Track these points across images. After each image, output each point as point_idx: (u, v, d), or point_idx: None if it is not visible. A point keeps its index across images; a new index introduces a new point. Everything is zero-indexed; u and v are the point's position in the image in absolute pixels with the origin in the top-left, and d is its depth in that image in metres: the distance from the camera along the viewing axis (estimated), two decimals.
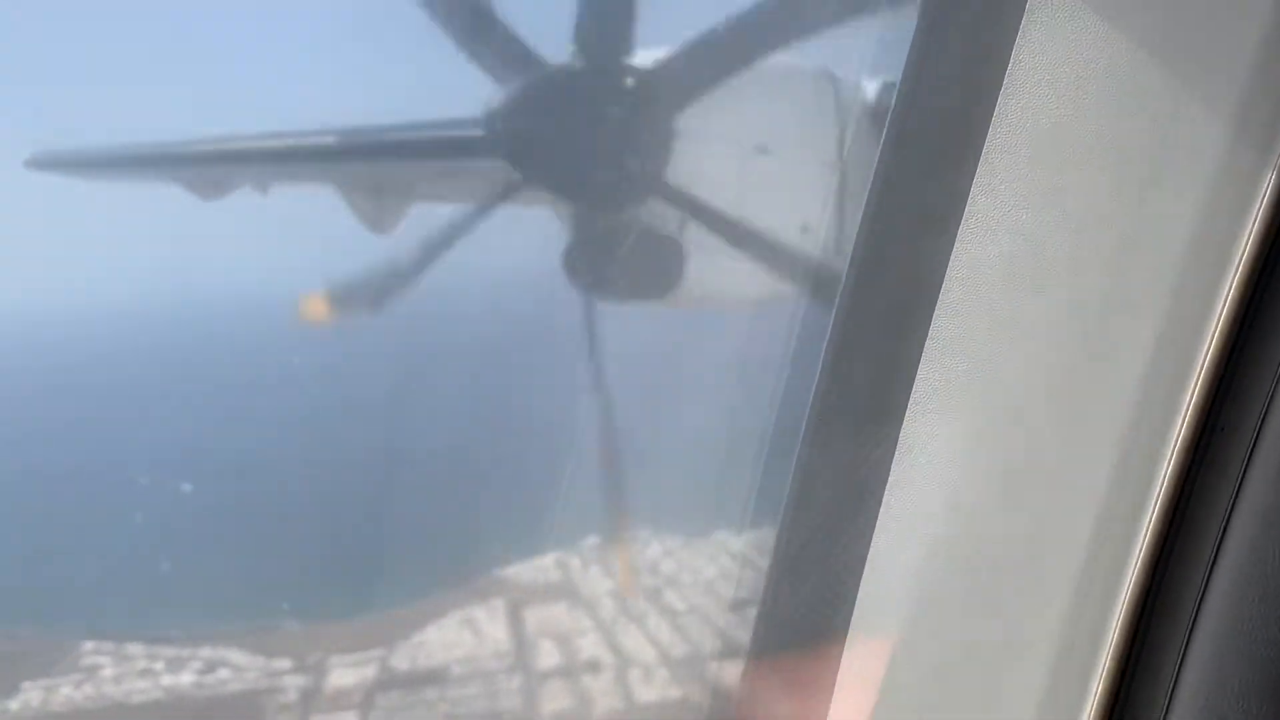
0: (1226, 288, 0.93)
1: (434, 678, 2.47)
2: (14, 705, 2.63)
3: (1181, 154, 0.95)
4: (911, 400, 1.07)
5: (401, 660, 2.55)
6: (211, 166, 2.75)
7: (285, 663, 2.73)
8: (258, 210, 2.63)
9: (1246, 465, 0.90)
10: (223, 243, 2.72)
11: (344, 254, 2.58)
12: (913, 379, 1.08)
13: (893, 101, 1.13)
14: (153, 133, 2.79)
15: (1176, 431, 0.94)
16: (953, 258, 1.03)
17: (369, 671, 2.56)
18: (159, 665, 2.78)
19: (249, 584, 2.79)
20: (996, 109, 1.00)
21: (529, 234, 2.41)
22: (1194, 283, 0.95)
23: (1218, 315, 0.93)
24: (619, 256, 2.44)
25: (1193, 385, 0.94)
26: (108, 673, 2.75)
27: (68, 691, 2.69)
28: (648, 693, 2.49)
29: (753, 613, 1.27)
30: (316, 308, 2.52)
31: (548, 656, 2.45)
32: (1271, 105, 0.89)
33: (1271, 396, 0.90)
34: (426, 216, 2.54)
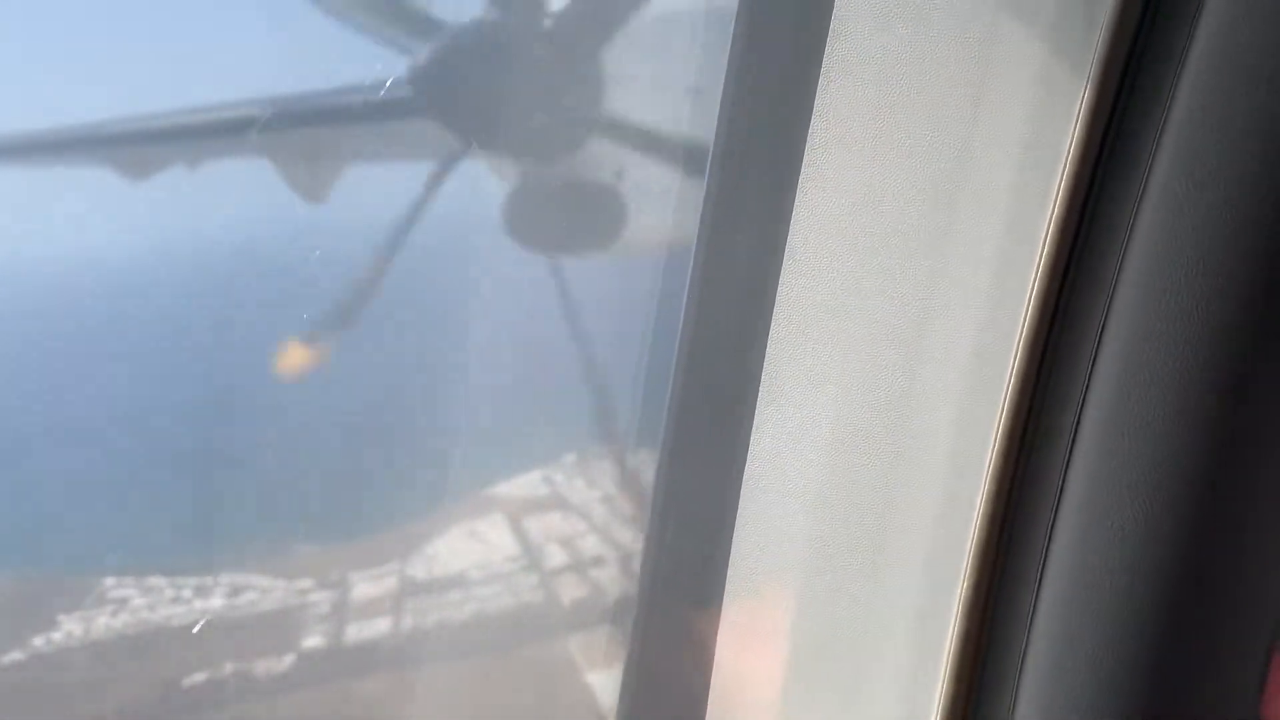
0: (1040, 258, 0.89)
1: (454, 582, 2.74)
2: (58, 636, 2.78)
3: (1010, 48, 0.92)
4: (770, 341, 1.06)
5: (418, 571, 2.79)
6: (137, 146, 2.71)
7: (307, 582, 2.90)
8: (189, 187, 2.59)
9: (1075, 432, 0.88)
10: (157, 220, 2.78)
11: (283, 222, 2.58)
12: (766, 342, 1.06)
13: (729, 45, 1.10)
14: (72, 114, 2.63)
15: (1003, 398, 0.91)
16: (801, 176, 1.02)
17: (390, 583, 2.80)
18: (186, 593, 2.93)
19: (250, 515, 2.88)
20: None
21: (468, 190, 2.38)
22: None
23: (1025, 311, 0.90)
24: (559, 207, 2.42)
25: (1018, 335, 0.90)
26: (139, 602, 2.89)
27: (106, 621, 2.85)
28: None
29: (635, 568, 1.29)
30: (297, 356, 2.52)
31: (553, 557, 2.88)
32: None
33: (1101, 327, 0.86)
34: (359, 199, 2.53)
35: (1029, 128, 0.92)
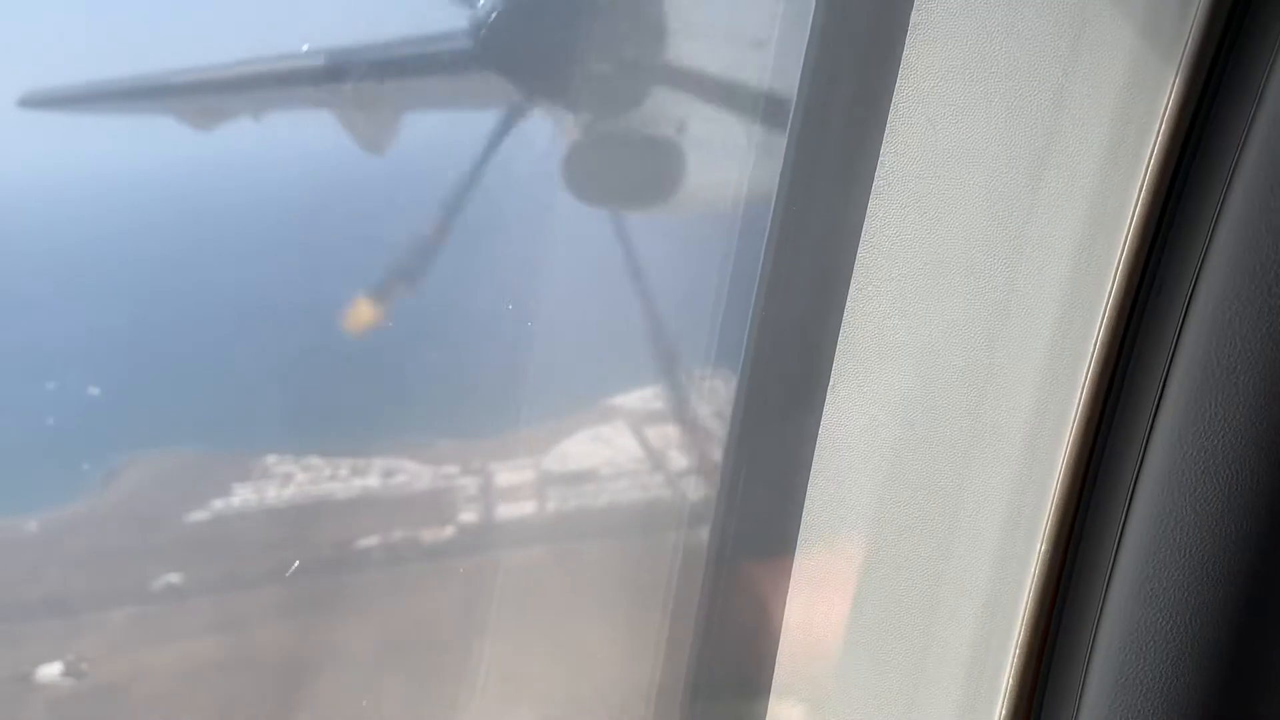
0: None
1: (587, 477, 2.90)
2: (236, 502, 3.08)
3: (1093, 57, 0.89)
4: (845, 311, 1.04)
5: (553, 465, 2.94)
6: (203, 95, 2.77)
7: (453, 468, 3.15)
8: (253, 136, 2.67)
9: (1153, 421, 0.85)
10: (220, 167, 2.87)
11: (345, 173, 2.63)
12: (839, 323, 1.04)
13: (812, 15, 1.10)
14: (143, 64, 2.73)
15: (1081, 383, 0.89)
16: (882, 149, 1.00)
17: (528, 474, 2.98)
18: (343, 472, 3.20)
19: (395, 413, 3.06)
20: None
21: (526, 145, 2.39)
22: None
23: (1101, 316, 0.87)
24: (618, 162, 2.39)
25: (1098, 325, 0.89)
26: (301, 478, 3.19)
27: (275, 492, 3.14)
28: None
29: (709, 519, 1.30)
30: (364, 313, 2.56)
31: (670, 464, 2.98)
32: None
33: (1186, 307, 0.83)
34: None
35: (1119, 102, 0.88)
